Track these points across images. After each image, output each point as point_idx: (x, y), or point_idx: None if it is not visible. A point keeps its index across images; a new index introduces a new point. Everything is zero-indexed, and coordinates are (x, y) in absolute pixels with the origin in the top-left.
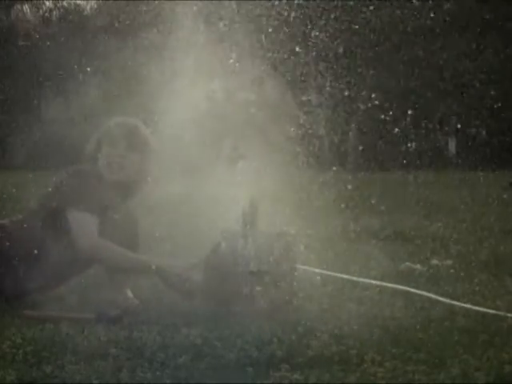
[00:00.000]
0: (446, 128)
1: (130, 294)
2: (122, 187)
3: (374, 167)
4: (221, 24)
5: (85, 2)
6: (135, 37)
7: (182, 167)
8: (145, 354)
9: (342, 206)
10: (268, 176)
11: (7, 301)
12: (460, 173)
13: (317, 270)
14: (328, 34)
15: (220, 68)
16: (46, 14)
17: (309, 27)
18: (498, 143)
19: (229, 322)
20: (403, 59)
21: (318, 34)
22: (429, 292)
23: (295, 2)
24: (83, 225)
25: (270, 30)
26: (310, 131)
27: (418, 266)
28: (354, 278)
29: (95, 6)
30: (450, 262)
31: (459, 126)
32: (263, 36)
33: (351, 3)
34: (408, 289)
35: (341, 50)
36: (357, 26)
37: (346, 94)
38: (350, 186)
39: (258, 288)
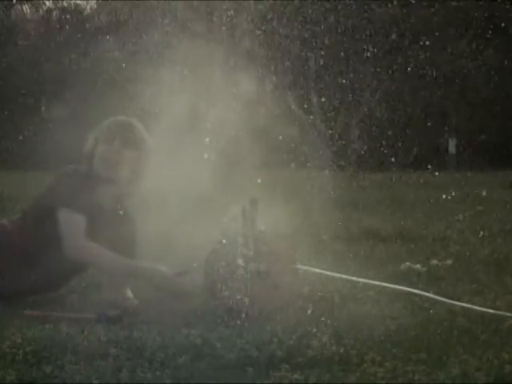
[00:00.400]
0: (446, 128)
1: (129, 293)
2: (118, 186)
3: (374, 167)
4: (220, 24)
5: (85, 2)
6: (135, 37)
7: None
8: (145, 354)
9: (342, 205)
10: (268, 185)
11: (7, 301)
12: (460, 173)
13: (317, 270)
14: (328, 34)
15: (219, 68)
16: (46, 14)
17: (309, 27)
18: (498, 143)
19: (229, 322)
20: (403, 59)
21: (318, 34)
22: (429, 292)
23: (295, 2)
24: (71, 225)
25: (269, 30)
26: (311, 131)
27: (418, 266)
28: (354, 278)
29: (95, 6)
30: (450, 261)
31: (459, 126)
32: (263, 36)
33: (351, 3)
34: (408, 289)
35: (341, 50)
36: (357, 26)
37: (346, 94)
38: (350, 186)
39: (258, 288)
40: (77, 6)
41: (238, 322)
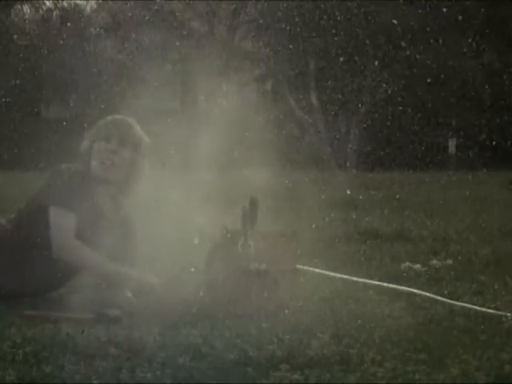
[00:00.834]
0: (446, 128)
1: (129, 293)
2: (115, 185)
3: (374, 167)
4: (220, 24)
5: (85, 2)
6: (135, 37)
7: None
8: (145, 354)
9: (342, 205)
10: (267, 180)
11: (7, 301)
12: (460, 173)
13: (317, 270)
14: (328, 35)
15: (219, 68)
16: (46, 14)
17: (310, 27)
18: (498, 143)
19: (229, 322)
20: (403, 59)
21: (318, 34)
22: (429, 292)
23: (295, 2)
24: (60, 224)
25: (270, 30)
26: (311, 131)
27: (418, 266)
28: (354, 278)
29: (95, 5)
30: (450, 261)
31: (459, 126)
32: (264, 36)
33: (352, 3)
34: (408, 289)
35: (341, 51)
36: (357, 26)
37: (346, 94)
38: (350, 186)
39: (258, 288)
40: (77, 5)
41: (238, 322)
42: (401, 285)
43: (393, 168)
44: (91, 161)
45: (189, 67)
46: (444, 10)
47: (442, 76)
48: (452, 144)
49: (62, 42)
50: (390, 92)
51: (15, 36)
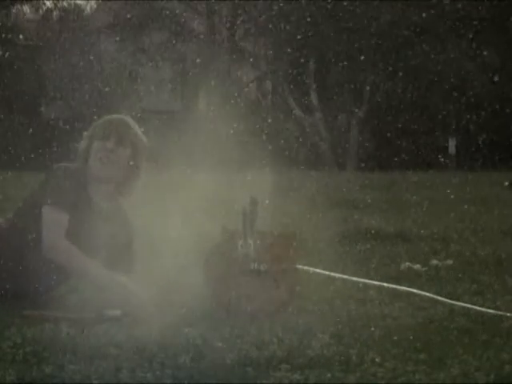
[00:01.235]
0: (446, 128)
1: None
2: (112, 184)
3: (374, 167)
4: (220, 23)
5: (85, 2)
6: (135, 37)
7: None
8: (145, 354)
9: (342, 205)
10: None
11: (7, 301)
12: (460, 173)
13: (317, 270)
14: (329, 35)
15: (218, 69)
16: (46, 14)
17: (309, 28)
18: (498, 143)
19: (229, 322)
20: (403, 59)
21: (318, 34)
22: (429, 292)
23: (295, 2)
24: (51, 224)
25: (270, 30)
26: (311, 131)
27: (418, 266)
28: (354, 278)
29: (95, 5)
30: (450, 261)
31: (459, 126)
32: (264, 36)
33: (352, 3)
34: (408, 289)
35: (342, 51)
36: (357, 27)
37: (346, 94)
38: (350, 186)
39: (258, 288)
40: (77, 5)
41: (238, 322)
42: (401, 285)
43: (393, 168)
44: (89, 160)
45: (189, 67)
46: (444, 10)
47: (442, 76)
48: (452, 144)
49: (61, 42)
50: (389, 92)
51: (15, 36)
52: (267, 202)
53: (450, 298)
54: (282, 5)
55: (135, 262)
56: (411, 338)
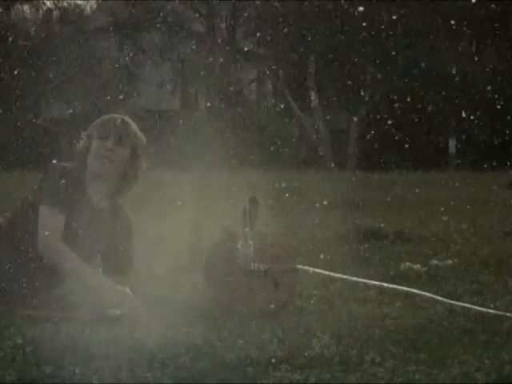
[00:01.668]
0: (446, 128)
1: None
2: (111, 184)
3: (374, 167)
4: (220, 24)
5: (85, 2)
6: (135, 37)
7: None
8: (145, 354)
9: (342, 205)
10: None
11: (7, 301)
12: (460, 173)
13: (317, 270)
14: (329, 35)
15: (218, 69)
16: (46, 14)
17: (310, 27)
18: (498, 143)
19: (229, 322)
20: (403, 59)
21: (318, 34)
22: (429, 292)
23: (295, 2)
24: (46, 224)
25: (270, 30)
26: (311, 131)
27: (418, 266)
28: (354, 278)
29: (95, 5)
30: (450, 261)
31: (459, 126)
32: (264, 36)
33: (352, 3)
34: (408, 289)
35: (341, 51)
36: (357, 27)
37: (346, 94)
38: (349, 186)
39: (258, 288)
40: (77, 5)
41: (238, 322)
42: (401, 285)
43: (393, 168)
44: (88, 159)
45: (189, 67)
46: (444, 9)
47: (442, 76)
48: (452, 144)
49: (61, 42)
50: (389, 92)
51: (15, 36)
52: (267, 202)
53: (450, 298)
54: (281, 5)
55: (134, 261)
56: (411, 338)
